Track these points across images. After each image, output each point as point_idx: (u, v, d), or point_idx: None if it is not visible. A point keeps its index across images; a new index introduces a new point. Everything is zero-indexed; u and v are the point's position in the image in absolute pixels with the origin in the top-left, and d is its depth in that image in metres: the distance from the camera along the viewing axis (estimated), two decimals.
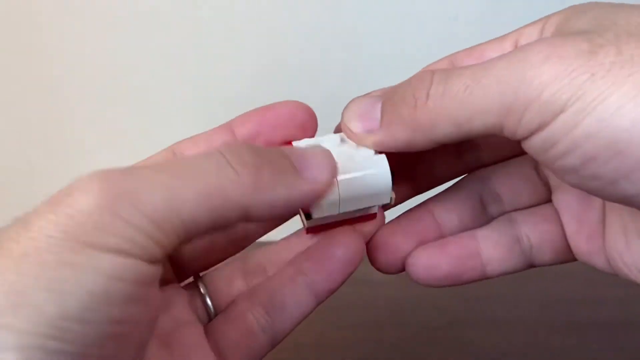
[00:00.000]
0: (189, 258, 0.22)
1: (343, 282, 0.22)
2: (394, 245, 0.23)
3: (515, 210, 0.23)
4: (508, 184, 0.23)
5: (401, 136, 0.19)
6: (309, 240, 0.23)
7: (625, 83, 0.15)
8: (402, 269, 0.23)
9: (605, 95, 0.15)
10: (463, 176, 0.24)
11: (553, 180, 0.23)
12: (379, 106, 0.20)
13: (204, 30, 0.44)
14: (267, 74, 0.45)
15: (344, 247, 0.22)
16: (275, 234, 0.24)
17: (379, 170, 0.20)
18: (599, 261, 0.22)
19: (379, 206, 0.22)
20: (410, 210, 0.24)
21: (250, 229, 0.23)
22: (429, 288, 0.23)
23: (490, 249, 0.23)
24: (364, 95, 0.21)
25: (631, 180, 0.15)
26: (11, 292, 0.13)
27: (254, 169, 0.16)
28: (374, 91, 0.21)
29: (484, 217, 0.24)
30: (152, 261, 0.15)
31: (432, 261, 0.22)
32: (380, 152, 0.20)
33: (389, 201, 0.21)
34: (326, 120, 0.22)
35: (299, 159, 0.18)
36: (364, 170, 0.20)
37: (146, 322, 0.16)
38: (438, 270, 0.22)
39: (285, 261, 0.22)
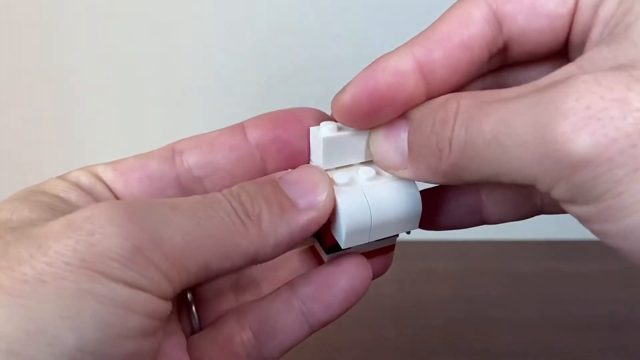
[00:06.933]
0: None
1: (342, 314, 0.20)
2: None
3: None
4: None
5: (430, 178, 0.18)
6: (308, 260, 0.22)
7: None
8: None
9: None
10: None
11: None
12: (405, 138, 0.18)
13: (209, 31, 0.44)
14: (273, 75, 0.45)
15: (349, 277, 0.20)
16: None
17: (410, 191, 0.19)
18: None
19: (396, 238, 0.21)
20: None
21: None
22: (428, 288, 0.23)
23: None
24: (389, 126, 0.19)
25: None
26: (28, 319, 0.13)
27: (255, 217, 0.17)
28: (399, 119, 0.19)
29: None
30: (163, 297, 0.15)
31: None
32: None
33: (417, 226, 0.20)
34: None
35: (293, 186, 0.18)
36: (396, 193, 0.19)
37: (154, 353, 0.16)
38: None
39: (281, 280, 0.21)
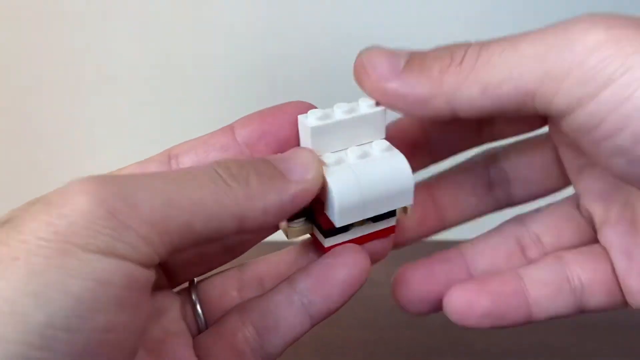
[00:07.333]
0: (181, 264, 0.21)
1: (343, 305, 0.20)
2: (418, 282, 0.22)
3: (560, 249, 0.22)
4: (550, 225, 0.22)
5: (419, 92, 0.18)
6: (310, 255, 0.22)
7: None
8: (426, 307, 0.22)
9: None
10: (502, 222, 0.24)
11: (597, 217, 0.22)
12: (403, 58, 0.18)
13: (205, 30, 0.44)
14: (268, 75, 0.45)
15: (347, 267, 0.20)
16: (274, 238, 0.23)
17: (399, 166, 0.19)
18: None
19: (396, 220, 0.21)
20: (441, 251, 0.23)
21: (245, 236, 0.22)
22: None
23: (537, 287, 0.21)
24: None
25: None
26: None
27: (243, 181, 0.17)
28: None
29: (523, 261, 0.22)
30: (144, 265, 0.15)
31: (471, 297, 0.21)
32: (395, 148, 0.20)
33: (411, 202, 0.20)
34: None
35: (283, 163, 0.18)
36: (385, 168, 0.19)
37: (136, 329, 0.15)
38: (477, 307, 0.21)
39: (283, 275, 0.21)
